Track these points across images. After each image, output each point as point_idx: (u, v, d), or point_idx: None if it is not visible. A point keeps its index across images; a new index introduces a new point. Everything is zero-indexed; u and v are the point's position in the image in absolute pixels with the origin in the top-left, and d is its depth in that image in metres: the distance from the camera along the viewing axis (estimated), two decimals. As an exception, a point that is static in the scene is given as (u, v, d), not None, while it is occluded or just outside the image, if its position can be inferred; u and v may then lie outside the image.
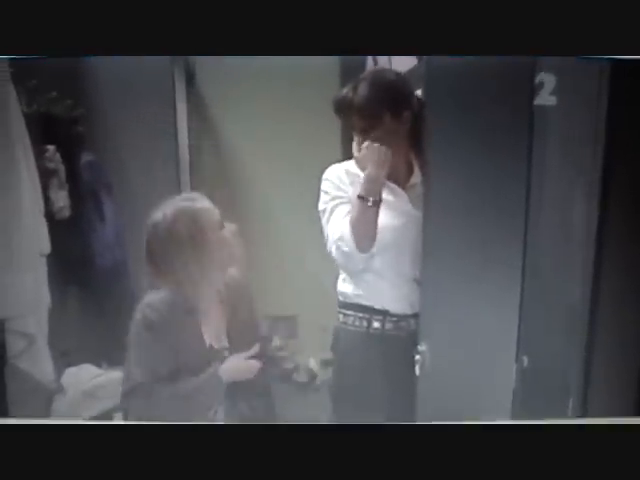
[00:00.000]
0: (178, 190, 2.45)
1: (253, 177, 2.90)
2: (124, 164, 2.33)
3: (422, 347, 1.58)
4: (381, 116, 1.63)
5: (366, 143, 1.60)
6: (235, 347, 1.62)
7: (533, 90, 1.40)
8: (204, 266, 1.54)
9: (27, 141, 1.75)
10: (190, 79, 2.69)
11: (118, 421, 1.65)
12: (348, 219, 1.61)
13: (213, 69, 2.67)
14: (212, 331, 1.61)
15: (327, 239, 1.66)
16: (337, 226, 1.63)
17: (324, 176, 1.69)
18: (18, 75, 1.78)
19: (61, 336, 1.81)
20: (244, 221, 2.87)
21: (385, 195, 1.63)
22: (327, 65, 2.49)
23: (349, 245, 1.60)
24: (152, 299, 1.54)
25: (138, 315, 1.52)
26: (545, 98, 1.36)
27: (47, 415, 1.77)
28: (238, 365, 1.60)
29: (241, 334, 1.64)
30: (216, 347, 1.61)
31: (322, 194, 1.69)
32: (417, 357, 1.58)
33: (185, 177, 2.57)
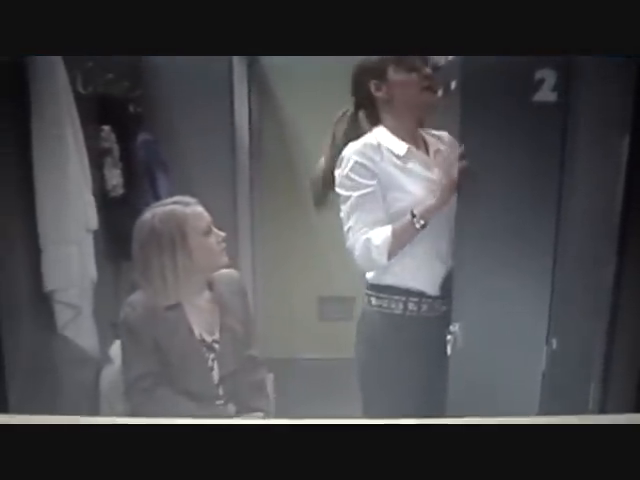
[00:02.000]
0: (233, 170, 2.50)
1: (313, 159, 2.91)
2: (180, 143, 2.39)
3: (454, 327, 1.56)
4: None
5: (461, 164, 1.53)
6: (226, 341, 1.68)
7: (567, 79, 1.37)
8: (184, 270, 1.60)
9: (77, 121, 1.82)
10: (252, 61, 2.71)
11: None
12: (389, 229, 1.57)
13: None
14: (203, 324, 1.67)
15: (350, 230, 1.61)
16: (372, 229, 1.59)
17: (353, 156, 1.61)
18: (75, 57, 1.85)
19: (110, 309, 1.88)
20: (303, 202, 2.91)
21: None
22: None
23: (381, 254, 1.58)
24: (132, 299, 1.63)
25: (121, 314, 1.61)
26: (546, 94, 1.33)
27: (96, 383, 1.86)
28: None
29: (233, 329, 1.70)
30: (207, 340, 1.66)
31: (348, 175, 1.61)
32: (449, 337, 1.57)
33: (243, 157, 2.61)
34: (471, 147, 1.49)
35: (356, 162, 1.59)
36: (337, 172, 1.63)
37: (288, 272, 2.98)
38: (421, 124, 1.72)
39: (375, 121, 1.68)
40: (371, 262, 1.60)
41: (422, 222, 1.55)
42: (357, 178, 1.59)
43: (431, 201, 1.56)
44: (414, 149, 1.64)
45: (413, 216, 1.55)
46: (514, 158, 1.47)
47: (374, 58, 1.62)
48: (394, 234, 1.57)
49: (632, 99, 1.27)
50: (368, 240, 1.58)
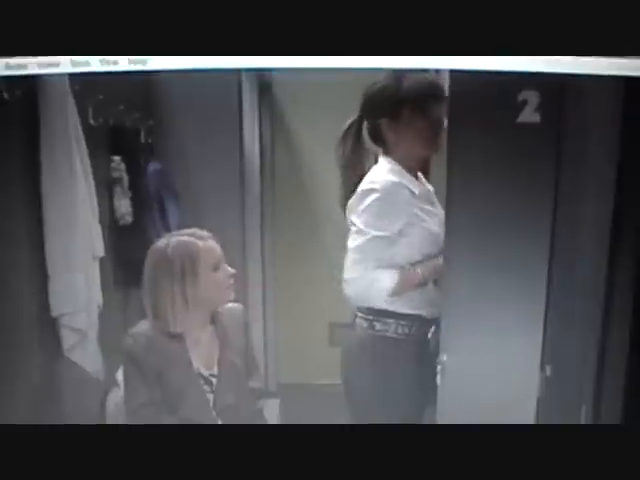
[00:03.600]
0: (242, 198, 2.55)
1: (326, 185, 2.94)
2: (190, 172, 2.45)
3: (444, 357, 1.57)
4: None
5: None
6: (224, 376, 1.69)
7: (562, 102, 1.38)
8: (190, 302, 1.62)
9: (85, 152, 1.88)
10: (264, 87, 2.76)
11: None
12: (396, 276, 1.62)
13: (289, 78, 2.74)
14: (202, 358, 1.68)
15: (355, 263, 1.64)
16: (378, 268, 1.62)
17: (380, 195, 1.61)
18: (85, 90, 1.92)
19: (116, 334, 1.92)
20: (315, 228, 2.94)
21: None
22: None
23: (382, 295, 1.63)
24: (134, 331, 1.66)
25: (124, 345, 1.64)
26: (530, 115, 1.34)
27: (102, 405, 1.90)
28: None
29: (233, 364, 1.70)
30: (205, 374, 1.67)
31: (374, 213, 1.61)
32: (439, 367, 1.57)
33: (254, 184, 2.66)
34: (459, 171, 1.51)
35: (384, 203, 1.60)
36: (358, 204, 1.64)
37: (299, 298, 3.00)
38: (425, 169, 1.76)
39: (380, 143, 1.71)
40: (368, 300, 1.65)
41: (428, 280, 1.62)
42: (382, 219, 1.61)
43: (437, 262, 1.59)
44: (422, 187, 1.70)
45: (418, 272, 1.62)
46: (503, 181, 1.48)
47: (389, 94, 1.63)
48: (400, 282, 1.61)
49: (619, 120, 1.28)
50: (373, 280, 1.61)
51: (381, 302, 1.63)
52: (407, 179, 1.65)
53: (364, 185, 1.63)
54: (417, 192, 1.65)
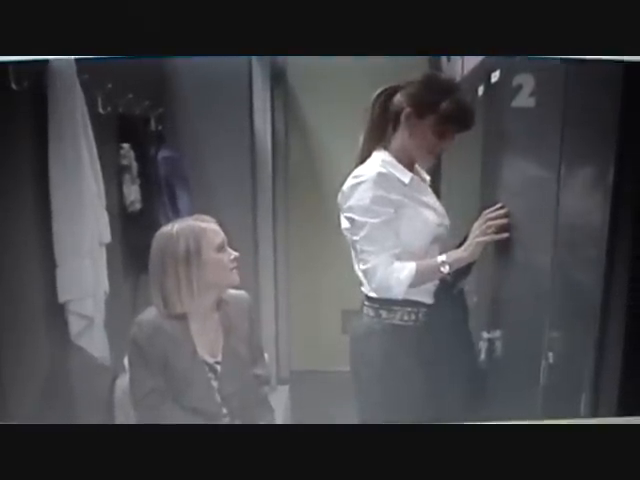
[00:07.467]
0: (253, 185, 2.55)
1: (341, 170, 2.92)
2: (201, 159, 2.45)
3: (488, 334, 1.62)
4: None
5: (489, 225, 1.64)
6: (228, 363, 1.71)
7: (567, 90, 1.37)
8: (196, 284, 1.64)
9: (92, 141, 1.90)
10: (278, 75, 2.75)
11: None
12: (414, 266, 1.63)
13: (303, 66, 2.72)
14: (206, 346, 1.70)
15: (369, 254, 1.66)
16: (393, 257, 1.64)
17: (371, 189, 1.63)
18: (94, 79, 1.93)
19: (123, 320, 1.95)
20: (327, 215, 2.92)
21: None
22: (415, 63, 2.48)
23: (401, 286, 1.65)
24: (140, 318, 1.67)
25: (131, 332, 1.65)
26: (524, 100, 1.34)
27: (111, 391, 1.94)
28: None
29: (237, 352, 1.72)
30: (209, 361, 1.69)
31: (367, 206, 1.64)
32: (481, 343, 1.69)
33: (266, 171, 2.65)
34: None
35: (375, 194, 1.62)
36: (348, 199, 1.67)
37: (312, 285, 3.00)
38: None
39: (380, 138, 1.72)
40: (388, 291, 1.66)
41: (448, 268, 1.63)
42: (376, 207, 1.63)
43: (463, 253, 1.64)
44: (416, 177, 1.70)
45: (442, 262, 1.63)
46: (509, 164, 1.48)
47: (420, 88, 1.65)
48: (418, 272, 1.63)
49: (618, 104, 1.27)
50: (392, 270, 1.63)
51: (401, 294, 1.65)
52: (398, 170, 1.67)
53: (351, 180, 1.67)
54: (407, 181, 1.66)
